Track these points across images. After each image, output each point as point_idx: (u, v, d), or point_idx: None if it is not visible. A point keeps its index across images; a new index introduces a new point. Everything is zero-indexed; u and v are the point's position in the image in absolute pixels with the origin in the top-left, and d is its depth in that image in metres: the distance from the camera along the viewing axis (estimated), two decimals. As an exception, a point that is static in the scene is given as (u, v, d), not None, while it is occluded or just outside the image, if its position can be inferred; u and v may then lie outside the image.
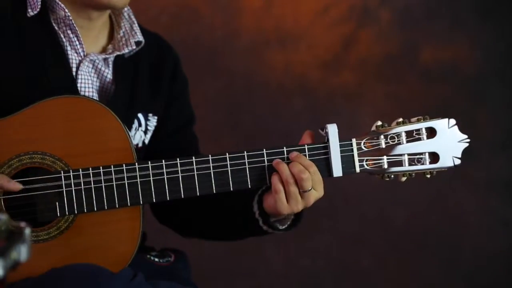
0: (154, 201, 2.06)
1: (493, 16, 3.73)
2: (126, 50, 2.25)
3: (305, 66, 3.72)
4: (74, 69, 2.19)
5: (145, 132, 2.29)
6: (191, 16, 3.68)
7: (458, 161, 2.11)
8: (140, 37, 2.27)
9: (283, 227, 2.18)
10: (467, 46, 3.71)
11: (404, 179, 2.11)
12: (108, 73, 2.25)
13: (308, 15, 3.72)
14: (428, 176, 2.12)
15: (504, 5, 3.73)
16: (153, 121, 2.31)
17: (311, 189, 2.04)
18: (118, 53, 2.24)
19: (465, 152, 2.11)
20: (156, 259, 2.29)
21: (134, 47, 2.26)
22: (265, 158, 2.08)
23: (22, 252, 1.33)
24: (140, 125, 2.27)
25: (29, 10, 2.17)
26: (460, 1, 3.73)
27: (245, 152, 2.08)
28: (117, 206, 2.05)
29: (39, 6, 2.17)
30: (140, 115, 2.27)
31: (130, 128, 2.24)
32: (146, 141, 2.30)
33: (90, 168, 2.04)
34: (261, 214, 2.14)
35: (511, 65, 3.74)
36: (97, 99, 2.21)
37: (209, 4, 3.69)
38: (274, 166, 2.05)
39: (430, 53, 3.73)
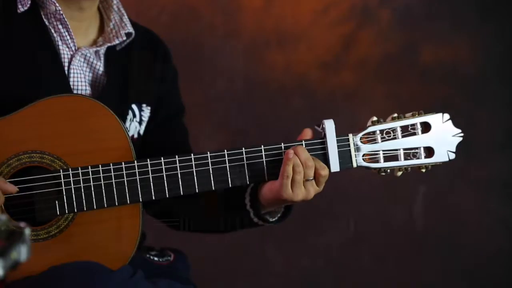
0: (154, 198, 2.07)
1: (493, 16, 3.73)
2: (117, 41, 2.25)
3: (305, 66, 3.72)
4: (66, 64, 2.19)
5: (140, 123, 2.29)
6: (191, 15, 3.68)
7: (452, 155, 2.13)
8: (130, 28, 2.27)
9: (273, 219, 2.22)
10: (467, 46, 3.71)
11: (400, 173, 2.14)
12: (100, 66, 2.25)
13: (308, 15, 3.71)
14: (424, 170, 2.14)
15: (504, 5, 3.73)
16: (147, 111, 2.31)
17: (312, 179, 2.07)
18: (109, 44, 2.24)
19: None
20: (156, 258, 2.29)
21: (125, 38, 2.26)
22: (263, 154, 2.10)
23: (22, 252, 1.33)
24: (134, 115, 2.27)
25: (19, 6, 2.17)
26: (460, 1, 3.73)
27: (243, 148, 2.10)
28: (116, 204, 2.06)
29: (29, 2, 2.17)
30: (134, 106, 2.28)
31: (124, 119, 2.24)
32: (141, 132, 2.30)
33: (90, 167, 2.04)
34: (253, 206, 2.17)
35: (511, 65, 3.74)
36: (90, 92, 2.22)
37: (209, 4, 3.69)
38: (285, 154, 2.06)
39: (430, 53, 3.72)
